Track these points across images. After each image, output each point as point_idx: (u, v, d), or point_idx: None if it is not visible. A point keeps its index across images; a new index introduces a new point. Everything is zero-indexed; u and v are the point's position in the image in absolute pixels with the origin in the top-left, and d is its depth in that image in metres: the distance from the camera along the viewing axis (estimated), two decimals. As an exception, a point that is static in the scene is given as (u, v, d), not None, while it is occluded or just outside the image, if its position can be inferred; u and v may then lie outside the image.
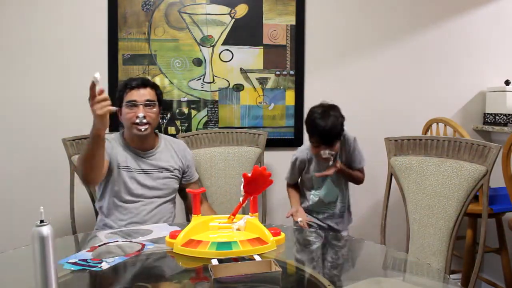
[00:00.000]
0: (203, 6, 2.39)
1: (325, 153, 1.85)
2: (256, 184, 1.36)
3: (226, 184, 2.24)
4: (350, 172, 1.99)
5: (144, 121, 1.76)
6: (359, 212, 2.64)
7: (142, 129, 1.77)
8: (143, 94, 1.80)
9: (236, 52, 2.43)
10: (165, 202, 1.87)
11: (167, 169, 1.88)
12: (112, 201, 1.80)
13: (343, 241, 1.63)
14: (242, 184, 1.36)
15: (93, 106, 1.49)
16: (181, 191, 1.97)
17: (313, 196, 2.03)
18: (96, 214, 2.04)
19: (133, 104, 1.78)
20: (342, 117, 1.89)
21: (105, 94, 1.49)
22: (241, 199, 1.39)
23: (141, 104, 1.78)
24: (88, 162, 1.61)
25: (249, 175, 1.34)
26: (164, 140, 1.93)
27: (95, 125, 1.54)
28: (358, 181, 2.05)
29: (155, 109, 1.82)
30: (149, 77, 2.35)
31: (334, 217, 2.03)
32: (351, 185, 2.08)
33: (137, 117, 1.76)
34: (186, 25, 2.38)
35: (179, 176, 1.93)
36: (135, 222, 1.79)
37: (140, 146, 1.84)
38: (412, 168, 1.82)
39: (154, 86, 1.87)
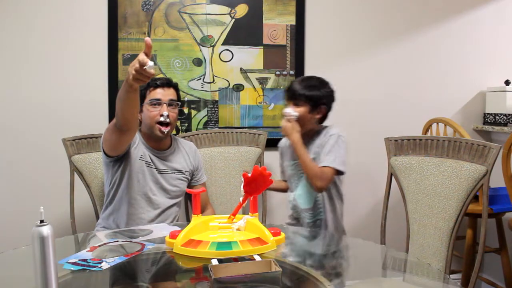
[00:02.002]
0: (203, 6, 2.39)
1: (286, 110, 1.76)
2: (256, 184, 1.36)
3: (226, 184, 2.24)
4: (300, 149, 1.72)
5: (168, 120, 1.77)
6: (359, 212, 2.64)
7: (165, 132, 1.77)
8: (167, 94, 1.80)
9: (236, 52, 2.43)
10: (173, 205, 1.87)
11: (180, 171, 1.88)
12: (131, 192, 1.77)
13: (344, 241, 1.63)
14: (242, 184, 1.36)
15: (134, 72, 1.34)
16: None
17: (291, 200, 1.89)
18: (96, 214, 2.04)
19: (158, 103, 1.77)
20: (325, 87, 1.80)
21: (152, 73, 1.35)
22: (241, 199, 1.39)
23: (165, 103, 1.78)
24: (127, 105, 1.52)
25: (249, 175, 1.34)
26: (176, 141, 1.94)
27: (129, 84, 1.40)
28: (312, 174, 1.71)
29: (176, 110, 1.84)
30: (149, 77, 2.35)
31: (312, 232, 1.70)
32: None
33: (161, 115, 1.75)
34: (186, 25, 2.38)
35: (189, 178, 1.94)
36: (143, 218, 1.78)
37: (157, 146, 1.84)
38: (412, 168, 1.82)
39: (176, 87, 1.88)
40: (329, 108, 1.84)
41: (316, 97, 1.78)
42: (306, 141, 1.82)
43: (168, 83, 1.82)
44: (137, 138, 1.81)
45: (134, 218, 1.78)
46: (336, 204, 1.86)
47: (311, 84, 1.81)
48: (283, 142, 2.00)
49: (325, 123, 1.89)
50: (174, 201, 1.87)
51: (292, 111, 1.78)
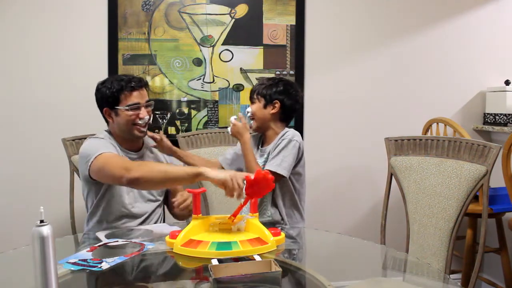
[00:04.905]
0: (203, 6, 2.39)
1: (247, 110, 1.85)
2: (258, 187, 1.35)
3: (226, 184, 2.24)
4: (247, 149, 1.75)
5: (146, 122, 1.72)
6: (359, 212, 2.64)
7: (145, 131, 1.73)
8: (143, 95, 1.74)
9: (236, 52, 2.43)
10: (156, 208, 1.81)
11: None
12: (110, 209, 1.71)
13: (344, 241, 1.63)
14: (244, 187, 1.35)
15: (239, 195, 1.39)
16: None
17: None
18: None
19: (137, 107, 1.70)
20: (281, 85, 1.82)
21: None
22: (242, 200, 1.38)
23: (143, 106, 1.72)
24: (169, 184, 1.63)
25: (252, 177, 1.34)
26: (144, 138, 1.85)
27: (215, 177, 1.38)
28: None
29: (151, 107, 1.77)
30: (149, 77, 2.35)
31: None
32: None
33: (141, 118, 1.69)
34: (186, 25, 2.38)
35: None
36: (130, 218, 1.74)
37: (132, 147, 1.77)
38: (412, 168, 1.82)
39: (147, 85, 1.81)
40: (285, 105, 1.83)
41: (269, 92, 1.82)
42: (266, 142, 1.87)
43: (143, 84, 1.75)
44: (113, 141, 1.72)
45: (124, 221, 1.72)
46: (281, 206, 1.82)
47: (268, 82, 1.86)
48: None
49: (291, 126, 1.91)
50: (156, 204, 1.80)
51: (249, 109, 1.84)
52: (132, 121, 1.70)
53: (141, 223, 1.74)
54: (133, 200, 1.73)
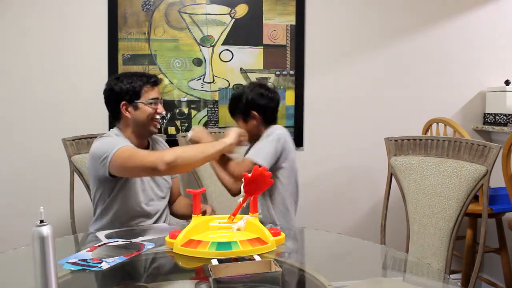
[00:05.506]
0: (203, 6, 2.39)
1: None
2: (256, 184, 1.36)
3: (226, 184, 2.24)
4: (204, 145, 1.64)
5: (162, 117, 1.79)
6: (359, 212, 2.64)
7: (159, 127, 1.78)
8: (159, 91, 1.79)
9: (236, 52, 2.43)
10: (166, 206, 1.83)
11: None
12: (125, 208, 1.70)
13: (344, 241, 1.63)
14: (242, 184, 1.36)
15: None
16: None
17: None
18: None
19: (156, 102, 1.74)
20: (246, 93, 1.84)
21: None
22: (241, 199, 1.38)
23: (160, 102, 1.77)
24: (201, 162, 1.60)
25: (249, 175, 1.34)
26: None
27: (231, 146, 1.60)
28: (228, 171, 1.72)
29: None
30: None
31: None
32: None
33: (159, 113, 1.73)
34: (186, 25, 2.38)
35: None
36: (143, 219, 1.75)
37: (141, 144, 1.77)
38: (412, 168, 1.82)
39: None
40: (262, 109, 1.85)
41: (241, 107, 1.85)
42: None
43: (160, 81, 1.80)
44: (127, 142, 1.70)
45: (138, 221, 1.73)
46: (269, 204, 1.84)
47: (234, 97, 1.90)
48: None
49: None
50: (166, 201, 1.82)
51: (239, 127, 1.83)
52: (152, 115, 1.73)
53: (155, 223, 1.75)
54: (147, 198, 1.74)
